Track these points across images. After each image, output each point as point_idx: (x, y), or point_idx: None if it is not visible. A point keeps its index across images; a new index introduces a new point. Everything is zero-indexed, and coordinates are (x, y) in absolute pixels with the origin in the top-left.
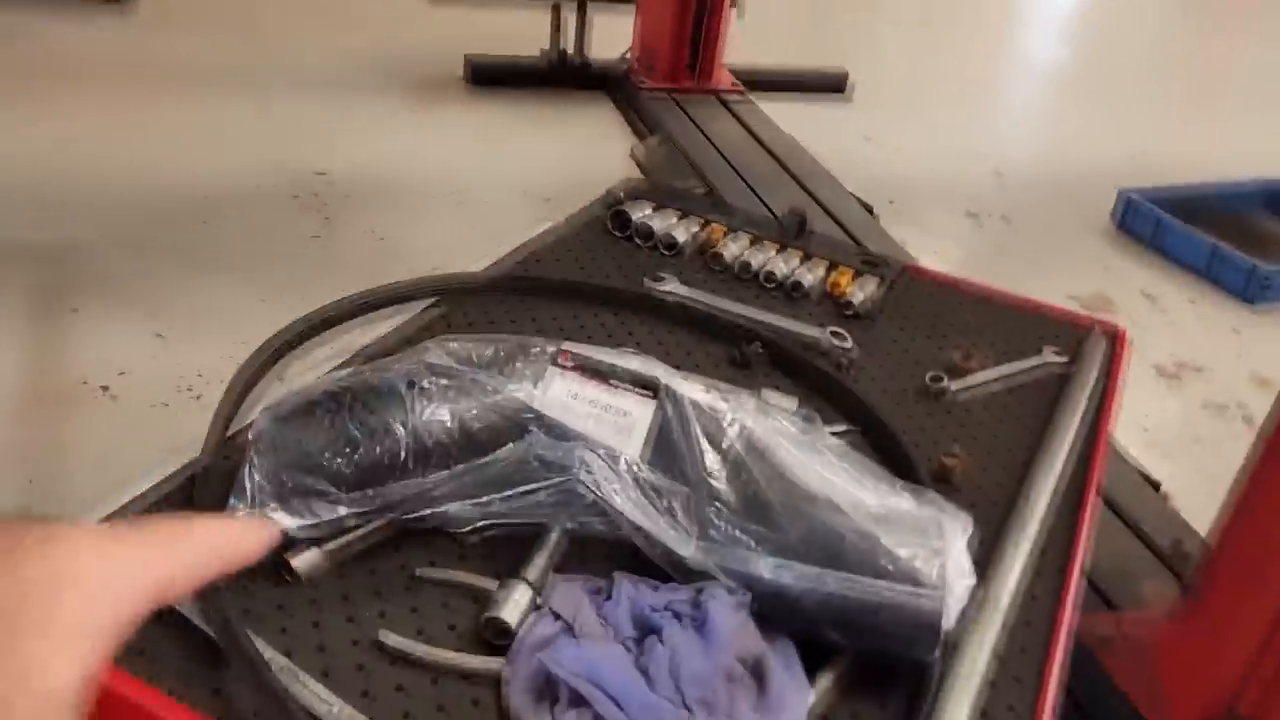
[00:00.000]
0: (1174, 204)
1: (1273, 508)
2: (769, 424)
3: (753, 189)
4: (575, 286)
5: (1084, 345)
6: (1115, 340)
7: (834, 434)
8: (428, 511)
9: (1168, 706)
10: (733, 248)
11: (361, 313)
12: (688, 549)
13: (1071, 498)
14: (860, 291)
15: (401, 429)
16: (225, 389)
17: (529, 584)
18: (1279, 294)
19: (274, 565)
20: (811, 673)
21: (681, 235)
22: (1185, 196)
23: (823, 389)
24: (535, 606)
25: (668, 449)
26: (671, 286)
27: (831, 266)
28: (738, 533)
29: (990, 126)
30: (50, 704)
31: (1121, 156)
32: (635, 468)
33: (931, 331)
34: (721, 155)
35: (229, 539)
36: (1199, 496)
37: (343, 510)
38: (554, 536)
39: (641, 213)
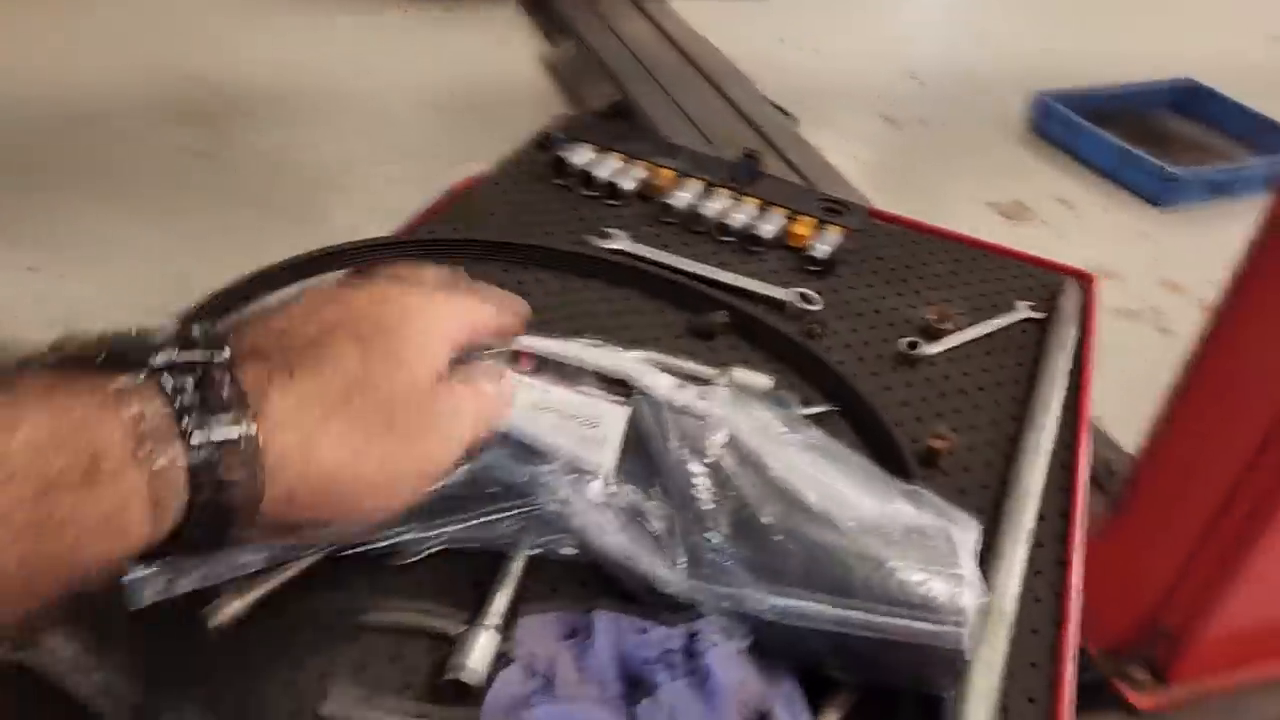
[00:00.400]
0: (1086, 106)
1: (1197, 426)
2: (753, 424)
3: (668, 93)
4: (515, 247)
5: (1058, 299)
6: (1087, 288)
7: (811, 415)
8: (369, 545)
9: (1094, 621)
10: (683, 195)
11: (277, 286)
12: (677, 581)
13: (1060, 473)
14: (823, 243)
15: None
16: None
17: (493, 629)
18: (1186, 196)
19: (187, 621)
20: (815, 708)
21: (628, 183)
22: (1097, 98)
23: (794, 361)
24: (502, 659)
25: (644, 461)
26: (621, 244)
27: (791, 215)
28: (730, 562)
29: (905, 27)
30: (413, 390)
31: (1035, 55)
32: (610, 489)
33: (902, 286)
34: (635, 59)
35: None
36: (1116, 405)
37: (265, 552)
38: (517, 566)
39: (583, 158)
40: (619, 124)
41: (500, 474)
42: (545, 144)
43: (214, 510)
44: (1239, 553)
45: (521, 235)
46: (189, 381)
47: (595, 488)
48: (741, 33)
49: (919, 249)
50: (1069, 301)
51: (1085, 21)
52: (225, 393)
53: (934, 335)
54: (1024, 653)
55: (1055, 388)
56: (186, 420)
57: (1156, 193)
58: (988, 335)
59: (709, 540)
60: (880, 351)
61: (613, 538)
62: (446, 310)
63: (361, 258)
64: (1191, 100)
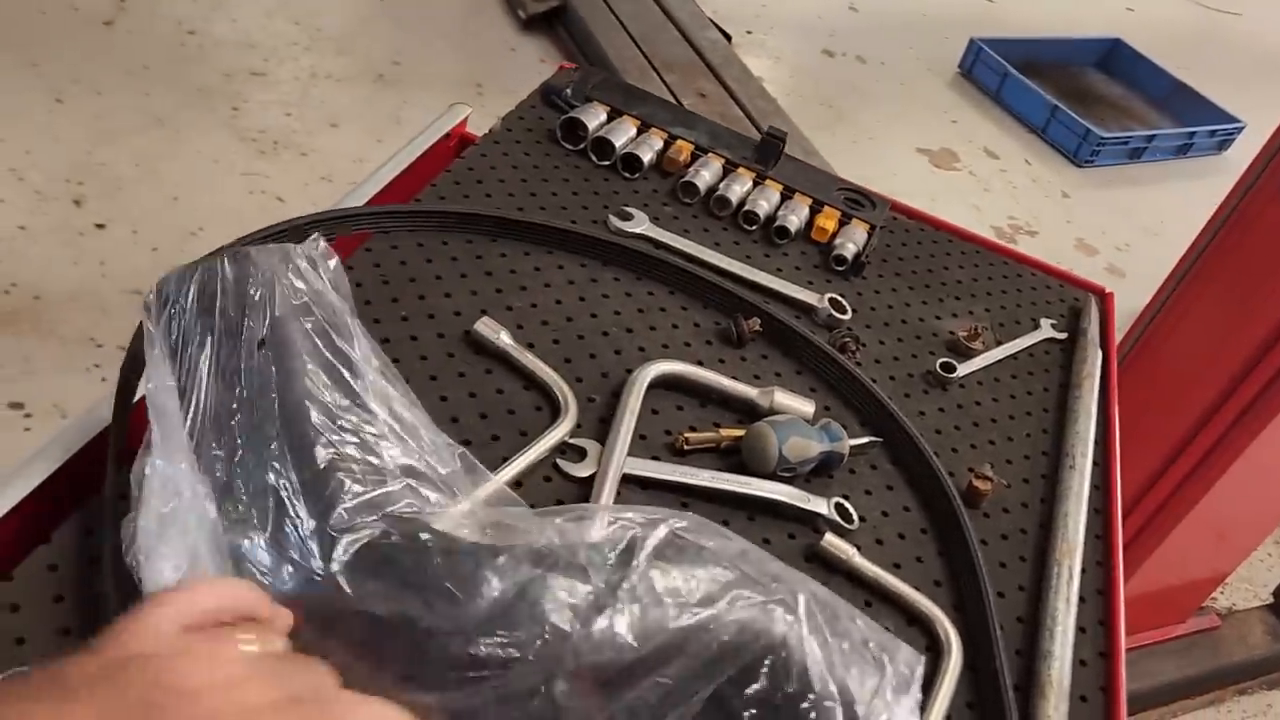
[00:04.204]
0: (1019, 56)
1: (1129, 404)
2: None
3: (607, 2)
4: (535, 228)
5: (1081, 320)
6: (1105, 305)
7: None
8: None
9: None
10: (705, 175)
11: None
12: None
13: (1093, 518)
14: (850, 242)
15: None
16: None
17: None
18: (1106, 158)
19: None
20: None
21: (645, 154)
22: (1030, 50)
23: (824, 375)
24: None
25: None
26: (642, 228)
27: (815, 206)
28: None
29: None
30: None
31: (975, 2)
32: None
33: (926, 293)
34: None
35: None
36: None
37: None
38: None
39: (595, 120)
40: (625, 82)
41: None
42: (550, 99)
43: None
44: (1154, 533)
45: (536, 209)
46: None
47: None
48: None
49: (939, 249)
50: (1092, 324)
51: None
52: None
53: (963, 353)
54: None
55: (1089, 423)
56: None
57: (1079, 153)
58: (1014, 356)
59: None
60: (911, 369)
61: None
62: None
63: (363, 224)
64: (1116, 60)
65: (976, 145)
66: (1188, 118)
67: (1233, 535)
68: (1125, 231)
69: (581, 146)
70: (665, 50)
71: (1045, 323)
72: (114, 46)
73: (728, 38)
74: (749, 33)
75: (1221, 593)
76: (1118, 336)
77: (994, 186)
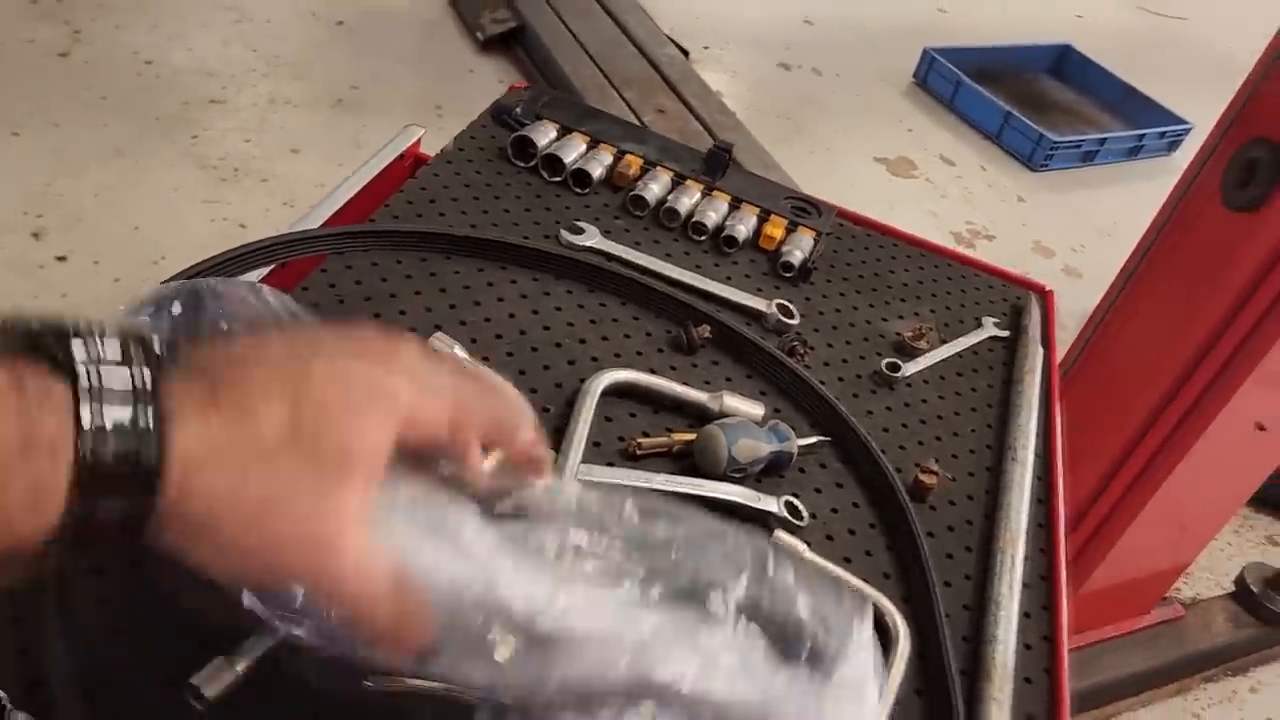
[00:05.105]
0: (972, 64)
1: (1084, 402)
2: None
3: (565, 23)
4: (488, 244)
5: (1023, 318)
6: (1045, 303)
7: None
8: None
9: None
10: (654, 188)
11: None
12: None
13: (1037, 508)
14: (797, 249)
15: None
16: None
17: None
18: (1060, 162)
19: (174, 693)
20: None
21: (595, 169)
22: (980, 56)
23: (774, 378)
24: None
25: None
26: (593, 241)
27: (763, 215)
28: None
29: None
30: (361, 461)
31: (929, 13)
32: None
33: (873, 296)
34: None
35: (514, 429)
36: None
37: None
38: None
39: (545, 137)
40: (576, 100)
41: None
42: (502, 118)
43: (115, 493)
44: (1113, 527)
45: (488, 226)
46: (106, 372)
47: None
48: None
49: (884, 254)
50: (1033, 321)
51: None
52: (138, 391)
53: (909, 353)
54: (1020, 705)
55: (1030, 416)
56: (91, 408)
57: (1033, 157)
58: (958, 354)
59: None
60: (859, 370)
61: None
62: (406, 401)
63: (317, 246)
64: (1067, 65)
65: (932, 153)
66: (1138, 121)
67: (1191, 527)
68: (1080, 233)
69: (532, 164)
70: (624, 67)
71: (988, 321)
72: (71, 78)
73: (685, 54)
74: (706, 48)
75: (1185, 583)
76: (1074, 337)
77: (951, 193)
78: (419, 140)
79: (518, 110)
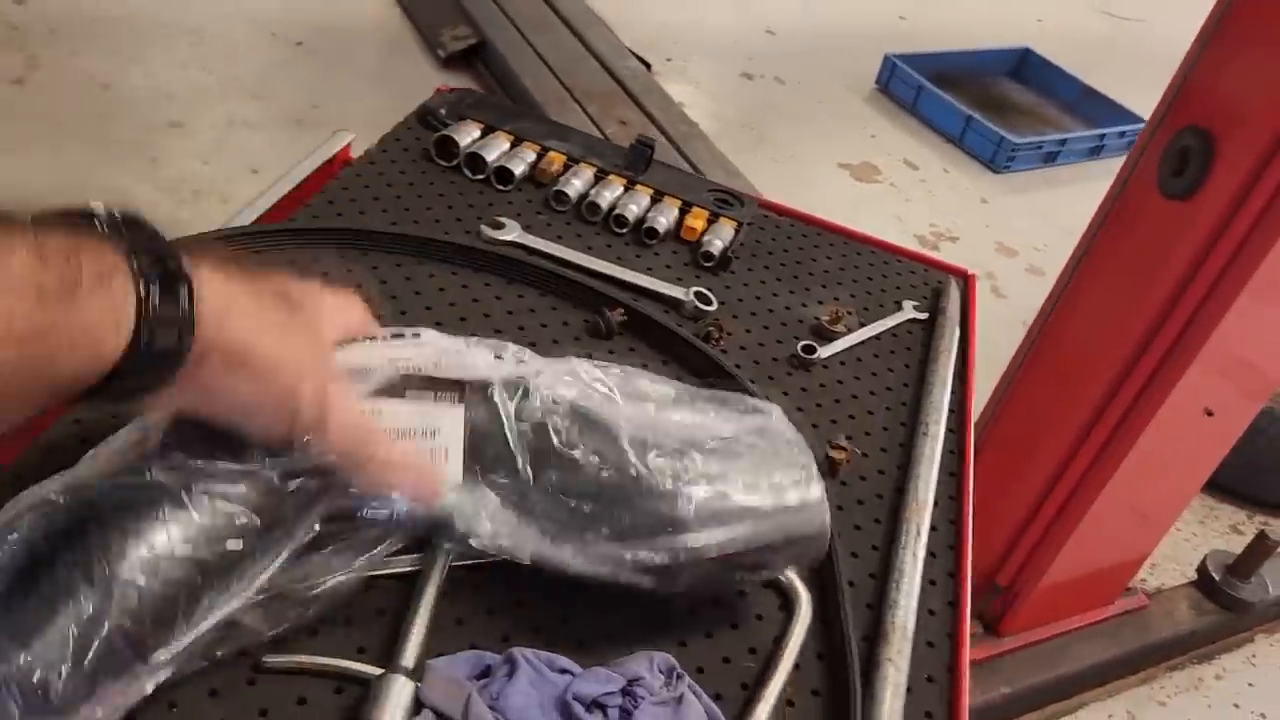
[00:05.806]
0: (933, 69)
1: (1032, 404)
2: (580, 381)
3: (525, 37)
4: (407, 239)
5: (942, 300)
6: (966, 286)
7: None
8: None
9: None
10: (576, 184)
11: None
12: (574, 559)
13: (948, 481)
14: (718, 239)
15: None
16: None
17: (406, 674)
18: (1021, 163)
19: None
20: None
21: (518, 166)
22: (941, 61)
23: (692, 364)
24: (418, 706)
25: (492, 454)
26: (514, 235)
27: (685, 206)
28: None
29: None
30: (315, 334)
31: (889, 20)
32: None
33: (794, 283)
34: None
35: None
36: None
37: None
38: (426, 600)
39: (468, 137)
40: (502, 99)
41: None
42: (427, 120)
43: (154, 338)
44: (1069, 517)
45: (409, 223)
46: (141, 238)
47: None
48: None
49: (808, 242)
50: (952, 303)
51: None
52: (167, 254)
53: (826, 336)
54: (920, 667)
55: (944, 393)
56: (137, 262)
57: (995, 159)
58: (876, 336)
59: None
60: (775, 354)
61: (494, 542)
62: (340, 307)
63: (249, 242)
64: (1027, 68)
65: (896, 157)
66: (1098, 121)
67: (1148, 515)
68: (1043, 232)
69: (455, 163)
70: (586, 81)
71: (908, 304)
72: (26, 105)
73: (647, 66)
74: (669, 60)
75: (1151, 574)
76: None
77: (914, 196)
78: (349, 145)
79: (442, 111)
